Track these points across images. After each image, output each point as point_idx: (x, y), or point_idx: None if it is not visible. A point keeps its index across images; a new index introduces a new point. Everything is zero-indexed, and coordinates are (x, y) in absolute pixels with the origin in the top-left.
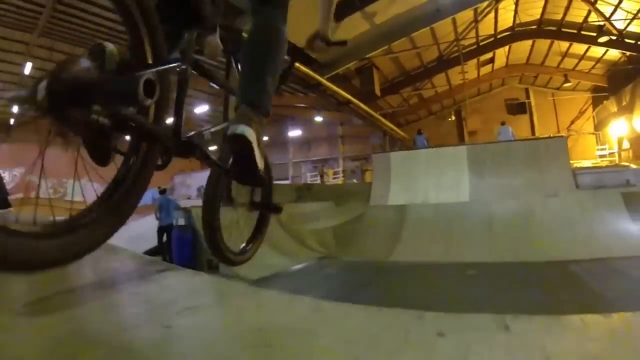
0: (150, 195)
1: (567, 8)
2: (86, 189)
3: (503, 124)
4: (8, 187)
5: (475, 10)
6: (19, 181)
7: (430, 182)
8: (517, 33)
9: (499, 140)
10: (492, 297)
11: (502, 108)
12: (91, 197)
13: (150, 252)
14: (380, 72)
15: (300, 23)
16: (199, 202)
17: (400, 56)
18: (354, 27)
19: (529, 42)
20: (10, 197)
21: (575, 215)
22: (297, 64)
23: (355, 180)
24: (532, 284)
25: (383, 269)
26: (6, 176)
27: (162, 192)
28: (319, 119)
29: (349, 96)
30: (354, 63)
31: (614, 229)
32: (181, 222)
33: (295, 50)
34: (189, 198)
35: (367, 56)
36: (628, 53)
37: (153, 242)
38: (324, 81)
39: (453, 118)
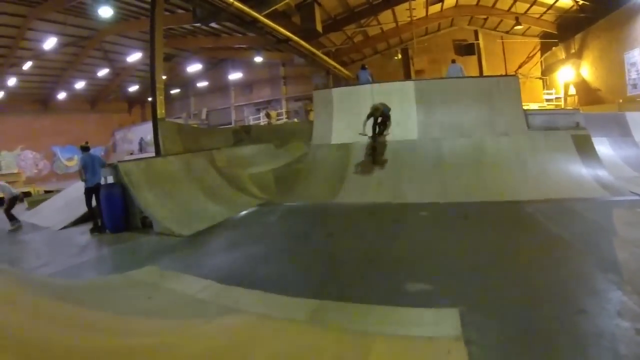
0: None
1: None
2: (21, 158)
3: (453, 61)
4: None
5: None
6: None
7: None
8: None
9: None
10: (448, 241)
11: (450, 48)
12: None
13: (83, 218)
14: (322, 8)
15: None
16: (143, 156)
17: None
18: None
19: None
20: None
21: (527, 155)
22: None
23: (296, 120)
24: (488, 225)
25: (327, 213)
26: None
27: (85, 149)
28: (259, 59)
29: (288, 33)
30: None
31: (565, 170)
32: (110, 180)
33: None
34: (131, 153)
35: None
36: (580, 2)
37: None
38: (260, 17)
39: (399, 57)
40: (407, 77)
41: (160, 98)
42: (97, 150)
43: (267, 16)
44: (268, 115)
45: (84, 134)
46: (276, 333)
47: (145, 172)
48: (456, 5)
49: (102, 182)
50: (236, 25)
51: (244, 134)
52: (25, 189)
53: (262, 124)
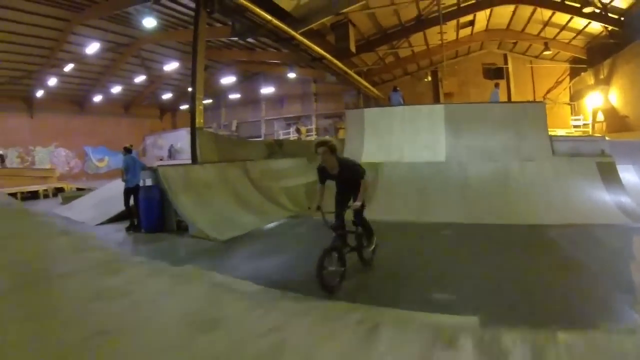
0: (122, 159)
1: None
2: (54, 155)
3: (497, 85)
4: None
5: None
6: None
7: (405, 140)
8: None
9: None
10: (469, 259)
11: (479, 72)
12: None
13: (118, 217)
14: (356, 29)
15: None
16: (172, 163)
17: (377, 12)
18: None
19: (511, 7)
20: None
21: (551, 180)
22: (270, 17)
23: (327, 137)
24: (509, 246)
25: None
26: None
27: (128, 151)
28: (292, 75)
29: (322, 51)
30: (329, 18)
31: (589, 196)
32: (148, 182)
33: (269, 2)
34: (161, 159)
35: (343, 11)
36: (610, 27)
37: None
38: (297, 35)
39: (429, 79)
40: (436, 99)
41: (199, 108)
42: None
43: (302, 34)
44: (298, 131)
45: (116, 136)
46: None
47: (183, 177)
48: (486, 30)
49: (141, 183)
50: (272, 41)
51: (276, 148)
52: (59, 185)
53: (292, 138)
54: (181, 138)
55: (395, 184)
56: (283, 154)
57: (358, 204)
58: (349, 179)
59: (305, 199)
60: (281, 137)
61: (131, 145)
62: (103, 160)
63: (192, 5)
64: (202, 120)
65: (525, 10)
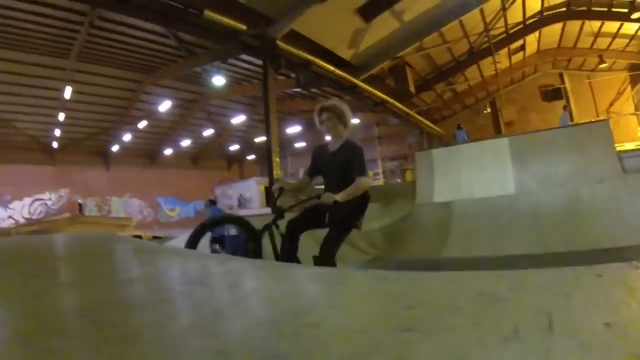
0: (192, 208)
1: None
2: (128, 204)
3: (565, 108)
4: (55, 207)
5: None
6: (66, 201)
7: (473, 177)
8: (546, 17)
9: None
10: None
11: (537, 96)
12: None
13: None
14: (412, 70)
15: (335, 29)
16: (241, 212)
17: (431, 52)
18: (384, 26)
19: (559, 25)
20: (58, 216)
21: (624, 200)
22: (332, 67)
23: (399, 180)
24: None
25: (434, 266)
26: (52, 197)
27: (213, 203)
28: (356, 121)
29: (384, 96)
30: (387, 62)
31: None
32: (232, 232)
33: (330, 54)
34: (230, 208)
35: (399, 55)
36: None
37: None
38: (359, 83)
39: (488, 110)
40: (497, 129)
41: (275, 160)
42: (197, 205)
43: (363, 80)
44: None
45: (185, 187)
46: None
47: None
48: (538, 51)
49: (226, 233)
50: (334, 89)
51: None
52: (137, 233)
53: None
54: (250, 188)
55: (468, 221)
56: None
57: (333, 197)
58: (345, 163)
59: (382, 242)
60: None
61: (215, 198)
62: (174, 210)
63: (256, 61)
64: (278, 172)
65: (574, 25)
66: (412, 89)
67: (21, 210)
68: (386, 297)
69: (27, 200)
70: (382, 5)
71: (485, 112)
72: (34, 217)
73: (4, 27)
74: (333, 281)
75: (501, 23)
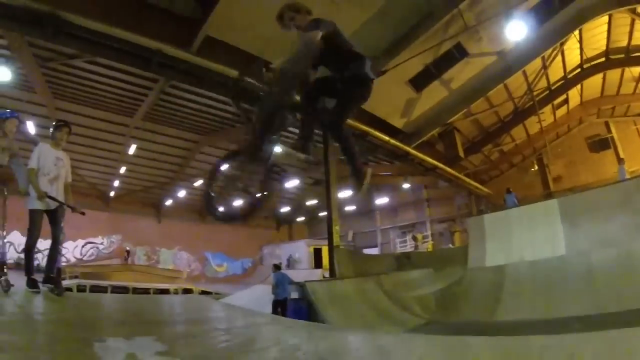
0: (240, 265)
1: (631, 32)
2: (177, 257)
3: (621, 162)
4: (106, 251)
5: (543, 57)
6: (116, 247)
7: (524, 240)
8: (586, 69)
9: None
10: None
11: (584, 148)
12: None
13: None
14: (461, 134)
15: (388, 100)
16: (294, 273)
17: (478, 116)
18: (434, 95)
19: (600, 75)
20: (107, 262)
21: None
22: (387, 137)
23: (450, 245)
24: None
25: (487, 330)
26: (104, 242)
27: (278, 268)
28: (406, 185)
29: (435, 162)
30: (437, 129)
31: None
32: (294, 295)
33: (383, 123)
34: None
35: (449, 121)
36: None
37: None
38: (412, 151)
39: (535, 167)
40: (545, 186)
41: (335, 228)
42: (245, 262)
43: (415, 147)
44: (415, 239)
45: (234, 244)
46: None
47: (327, 291)
48: (581, 103)
49: (289, 297)
50: (387, 156)
51: (405, 260)
52: (187, 286)
53: (409, 247)
54: (299, 249)
55: (520, 283)
56: (411, 266)
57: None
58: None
59: (435, 306)
60: (398, 245)
61: (280, 264)
62: (222, 266)
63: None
64: (339, 240)
65: (614, 73)
66: (461, 153)
67: (73, 250)
68: None
69: (80, 242)
70: (432, 75)
71: (532, 169)
72: (84, 258)
73: (79, 85)
74: None
75: (543, 81)
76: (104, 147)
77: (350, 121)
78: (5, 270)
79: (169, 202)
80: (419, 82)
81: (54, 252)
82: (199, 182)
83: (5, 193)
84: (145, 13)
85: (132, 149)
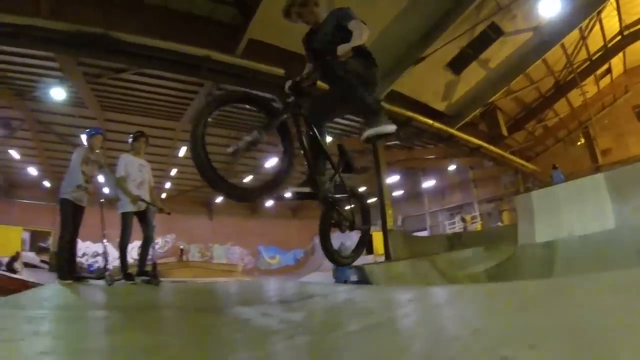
0: (292, 256)
1: None
2: (230, 251)
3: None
4: (161, 251)
5: (580, 28)
6: (171, 246)
7: (573, 215)
8: (626, 37)
9: None
10: None
11: (632, 117)
12: (235, 259)
13: None
14: (503, 112)
15: (429, 84)
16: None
17: (519, 93)
18: (472, 76)
19: None
20: (163, 261)
21: None
22: (430, 121)
23: (499, 224)
24: None
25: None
26: (159, 241)
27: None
28: (452, 167)
29: (479, 142)
30: (479, 109)
31: None
32: (353, 278)
33: (426, 108)
34: None
35: (490, 100)
36: None
37: None
38: (456, 132)
39: (582, 141)
40: (593, 159)
41: (388, 212)
42: (297, 253)
43: (458, 129)
44: (463, 220)
45: (285, 237)
46: None
47: (384, 272)
48: (625, 71)
49: (348, 279)
50: (432, 140)
51: (456, 240)
52: (243, 279)
53: (457, 229)
54: (350, 237)
55: (570, 259)
56: (462, 245)
57: (347, 46)
58: (335, 29)
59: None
60: (447, 228)
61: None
62: (274, 258)
63: (354, 118)
64: (392, 223)
65: None
66: (504, 131)
67: (131, 251)
68: None
69: (137, 243)
70: (469, 57)
71: (579, 143)
72: None
73: (126, 96)
74: None
75: (583, 52)
76: (154, 152)
77: (395, 108)
78: (107, 267)
79: (219, 200)
80: (457, 65)
81: (147, 248)
82: (248, 179)
83: (102, 201)
84: (190, 24)
85: (182, 152)
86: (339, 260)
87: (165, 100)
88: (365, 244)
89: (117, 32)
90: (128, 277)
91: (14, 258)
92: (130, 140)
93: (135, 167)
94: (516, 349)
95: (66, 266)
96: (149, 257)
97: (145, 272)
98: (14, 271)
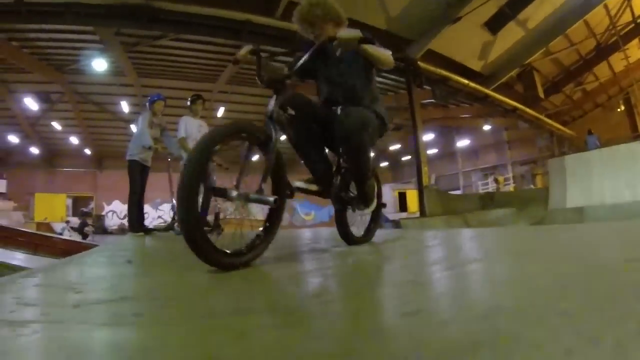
0: (327, 212)
1: None
2: (265, 208)
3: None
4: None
5: None
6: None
7: (605, 183)
8: None
9: None
10: None
11: None
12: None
13: None
14: (540, 74)
15: (466, 44)
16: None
17: (558, 55)
18: (510, 36)
19: None
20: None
21: None
22: (466, 81)
23: (532, 186)
24: None
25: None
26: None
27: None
28: (486, 127)
29: (515, 103)
30: (515, 70)
31: None
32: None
33: (462, 67)
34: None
35: (527, 61)
36: None
37: None
38: (491, 93)
39: (622, 108)
40: (633, 127)
41: (424, 169)
42: (332, 210)
43: (493, 89)
44: (496, 181)
45: None
46: None
47: (419, 227)
48: None
49: None
50: (467, 99)
51: (488, 199)
52: None
53: (490, 190)
54: (384, 194)
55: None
56: (494, 205)
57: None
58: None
59: None
60: (480, 188)
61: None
62: (309, 214)
63: (390, 75)
64: (427, 179)
65: None
66: (540, 93)
67: (169, 211)
68: None
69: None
70: (507, 17)
71: (618, 109)
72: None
73: (162, 62)
74: None
75: (627, 14)
76: None
77: (430, 67)
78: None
79: (255, 158)
80: (495, 24)
81: (208, 200)
82: (283, 137)
83: (169, 160)
84: None
85: (221, 111)
86: (358, 240)
87: (201, 64)
88: (379, 221)
89: (158, 2)
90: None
91: (84, 223)
92: (188, 102)
93: (194, 127)
94: None
95: (136, 220)
96: (211, 208)
97: (207, 223)
98: (86, 235)
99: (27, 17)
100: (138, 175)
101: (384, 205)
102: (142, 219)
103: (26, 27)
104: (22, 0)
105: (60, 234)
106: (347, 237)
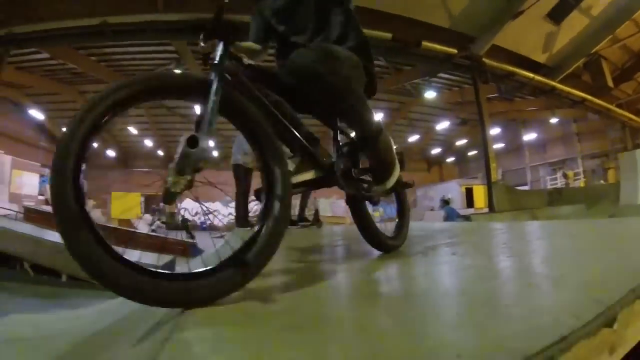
0: (394, 208)
1: None
2: (334, 205)
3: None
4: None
5: None
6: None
7: None
8: None
9: None
10: None
11: None
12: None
13: None
14: (608, 62)
15: (529, 36)
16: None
17: (627, 41)
18: (574, 25)
19: None
20: None
21: None
22: (532, 75)
23: (602, 182)
24: None
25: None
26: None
27: (447, 203)
28: (554, 120)
29: (583, 94)
30: (581, 60)
31: None
32: None
33: (526, 60)
34: (432, 209)
35: (593, 50)
36: None
37: None
38: (557, 85)
39: None
40: None
41: (493, 165)
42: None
43: (559, 81)
44: (565, 176)
45: None
46: None
47: (489, 222)
48: None
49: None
50: (533, 93)
51: (556, 195)
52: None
53: (559, 185)
54: (451, 189)
55: None
56: (563, 201)
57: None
58: None
59: None
60: (548, 183)
61: (449, 199)
62: (378, 210)
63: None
64: (496, 176)
65: None
66: (609, 82)
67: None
68: None
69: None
70: (570, 5)
71: None
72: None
73: None
74: None
75: None
76: None
77: (495, 63)
78: None
79: None
80: (558, 14)
81: (306, 197)
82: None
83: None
84: None
85: None
86: (388, 245)
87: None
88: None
89: (232, 15)
90: (290, 222)
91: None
92: None
93: None
94: None
95: (242, 216)
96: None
97: (305, 218)
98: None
99: (112, 37)
100: (242, 177)
101: (411, 184)
102: (247, 213)
103: (105, 44)
104: (107, 21)
105: (154, 230)
106: (378, 239)
